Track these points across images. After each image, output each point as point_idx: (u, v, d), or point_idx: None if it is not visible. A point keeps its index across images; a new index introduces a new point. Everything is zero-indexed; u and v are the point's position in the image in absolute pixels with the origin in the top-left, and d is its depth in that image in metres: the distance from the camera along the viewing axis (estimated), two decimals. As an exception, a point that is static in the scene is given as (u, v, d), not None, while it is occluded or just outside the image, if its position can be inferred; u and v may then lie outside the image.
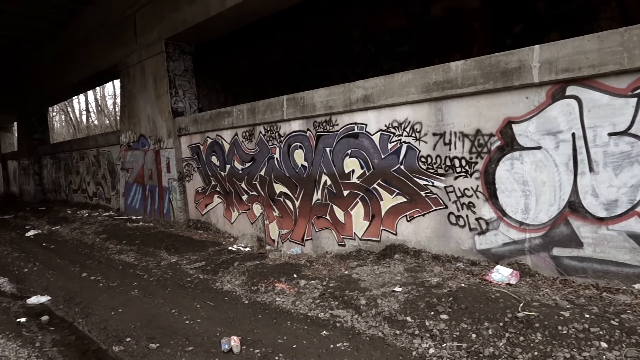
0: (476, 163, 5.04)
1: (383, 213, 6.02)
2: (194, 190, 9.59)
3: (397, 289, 4.56)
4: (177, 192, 9.79)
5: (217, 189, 8.90)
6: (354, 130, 6.29)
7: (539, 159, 4.55)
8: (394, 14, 10.87)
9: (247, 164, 8.10)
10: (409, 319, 4.05)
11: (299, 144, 7.10)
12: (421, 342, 3.76)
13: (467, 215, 5.17)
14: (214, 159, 8.91)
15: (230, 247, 7.49)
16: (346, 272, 5.56)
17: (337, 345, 3.92)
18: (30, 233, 10.88)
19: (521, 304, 3.90)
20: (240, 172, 8.26)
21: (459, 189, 5.22)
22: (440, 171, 5.37)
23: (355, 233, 6.39)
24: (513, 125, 4.73)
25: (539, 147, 4.55)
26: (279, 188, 7.52)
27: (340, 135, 6.47)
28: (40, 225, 11.87)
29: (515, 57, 4.63)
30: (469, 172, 5.10)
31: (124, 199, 12.01)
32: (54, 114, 31.46)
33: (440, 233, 5.44)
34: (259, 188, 7.90)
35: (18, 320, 5.41)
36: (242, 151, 8.19)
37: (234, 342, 4.05)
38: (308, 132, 6.93)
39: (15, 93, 19.70)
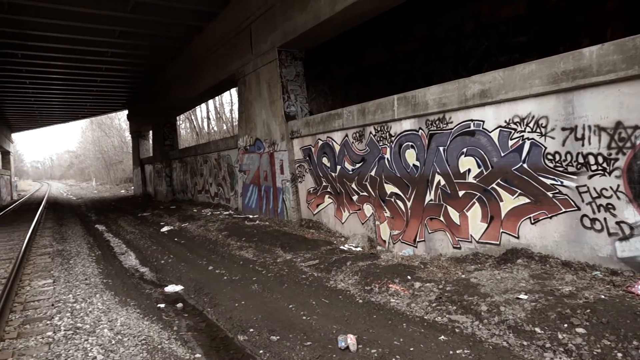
0: (616, 160, 4.48)
1: (503, 215, 5.65)
2: (305, 191, 9.95)
3: (522, 296, 4.24)
4: (290, 192, 10.24)
5: (328, 190, 9.13)
6: (469, 127, 6.00)
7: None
8: (510, 2, 10.14)
9: (358, 165, 8.18)
10: (537, 329, 3.74)
11: (410, 143, 6.98)
12: (554, 356, 3.44)
13: (605, 219, 4.62)
14: (324, 160, 9.15)
15: (341, 247, 7.62)
16: (463, 276, 5.32)
17: (457, 351, 3.76)
18: (164, 229, 12.20)
19: (679, 322, 3.38)
20: (351, 172, 8.37)
21: (594, 188, 4.69)
22: (570, 169, 4.87)
23: (471, 235, 6.09)
24: (664, 116, 4.11)
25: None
26: (389, 188, 7.46)
27: (454, 134, 6.21)
28: (172, 222, 13.25)
29: (666, 37, 4.03)
30: (608, 170, 4.55)
31: (242, 199, 12.89)
32: (180, 122, 34.89)
33: (571, 237, 4.94)
34: (370, 188, 7.92)
35: (158, 305, 6.08)
36: (352, 152, 8.30)
37: (351, 340, 4.11)
38: (420, 131, 6.77)
39: (152, 105, 22.33)
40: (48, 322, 4.87)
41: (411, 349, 3.94)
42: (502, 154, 5.58)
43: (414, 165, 6.93)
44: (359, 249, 7.49)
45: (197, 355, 4.36)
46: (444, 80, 6.41)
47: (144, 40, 15.29)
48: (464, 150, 6.08)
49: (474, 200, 6.00)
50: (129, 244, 10.88)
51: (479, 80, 5.79)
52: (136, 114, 27.13)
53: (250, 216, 11.68)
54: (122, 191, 35.41)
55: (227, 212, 13.16)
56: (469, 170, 6.04)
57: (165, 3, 12.06)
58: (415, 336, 4.17)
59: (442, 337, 4.06)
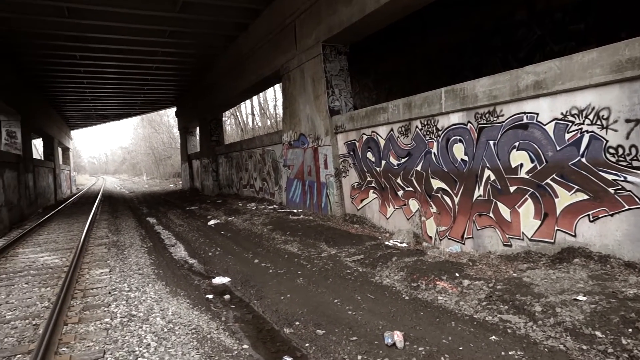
0: (688, 153, 4.15)
1: (558, 212, 5.38)
2: (349, 186, 9.91)
3: (581, 297, 4.03)
4: (333, 187, 10.24)
5: (373, 185, 9.04)
6: (522, 120, 5.75)
7: None
8: (568, -12, 9.63)
9: (403, 160, 8.05)
10: (598, 333, 3.54)
11: (458, 137, 6.78)
12: (616, 361, 3.25)
13: (673, 217, 4.30)
14: (369, 154, 9.07)
15: (386, 242, 7.54)
16: (515, 274, 5.12)
17: (510, 353, 3.63)
18: (211, 222, 12.53)
19: None
20: (396, 167, 8.25)
21: (662, 184, 4.37)
22: (636, 164, 4.56)
23: (523, 233, 5.85)
24: None
25: None
26: (436, 184, 7.30)
27: (505, 127, 5.98)
28: (218, 216, 13.60)
29: None
30: (677, 165, 4.23)
31: (286, 194, 13.02)
32: (226, 118, 35.67)
33: (635, 237, 4.63)
34: (415, 183, 7.78)
35: (207, 296, 6.25)
36: (397, 146, 8.17)
37: (397, 336, 4.05)
38: (469, 124, 6.56)
39: (198, 102, 22.98)
40: (105, 309, 5.11)
41: (460, 348, 3.83)
42: (558, 148, 5.31)
43: (462, 159, 6.73)
44: (404, 244, 7.38)
45: (245, 346, 4.44)
46: (493, 72, 6.17)
47: (192, 39, 15.71)
48: (516, 144, 5.84)
49: (527, 196, 5.75)
50: (178, 236, 11.26)
51: (533, 70, 5.53)
52: (184, 111, 28.00)
53: (294, 210, 11.78)
54: (171, 185, 36.72)
55: (271, 207, 13.34)
56: (521, 165, 5.79)
57: (212, 1, 12.33)
58: (465, 335, 4.06)
59: (493, 337, 3.93)
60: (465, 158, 6.65)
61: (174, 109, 31.65)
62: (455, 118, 6.83)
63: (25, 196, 17.40)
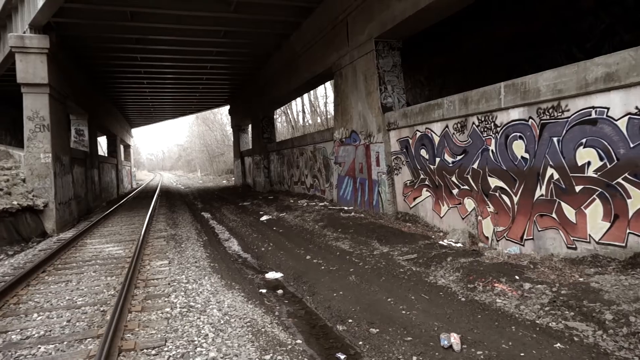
0: None
1: (631, 213, 5.01)
2: (402, 184, 9.76)
3: (658, 306, 3.74)
4: (385, 185, 10.12)
5: (426, 183, 8.85)
6: (590, 115, 5.40)
7: None
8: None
9: (458, 157, 7.81)
10: (678, 345, 3.27)
11: (518, 134, 6.49)
12: (701, 377, 2.99)
13: None
14: (422, 152, 8.88)
15: (440, 242, 7.35)
16: (581, 279, 4.83)
17: (577, 362, 3.43)
18: (263, 218, 12.77)
19: None
20: (451, 165, 8.02)
21: None
22: None
23: (590, 235, 5.50)
24: None
25: None
26: (494, 182, 7.02)
27: (571, 123, 5.64)
28: (270, 212, 13.84)
29: None
30: None
31: (337, 191, 13.03)
32: (277, 116, 36.22)
33: None
34: (472, 182, 7.53)
35: (260, 290, 6.39)
36: (452, 143, 7.94)
37: (454, 339, 3.94)
38: (530, 120, 6.26)
39: (251, 100, 23.49)
40: (166, 299, 5.33)
41: (522, 354, 3.67)
42: (632, 145, 4.94)
43: (522, 157, 6.43)
44: (459, 244, 7.17)
45: (298, 341, 4.49)
46: (554, 66, 5.84)
47: (245, 39, 16.05)
48: (583, 140, 5.50)
49: (594, 196, 5.41)
50: (231, 231, 11.58)
51: (603, 62, 5.18)
52: (237, 109, 28.70)
53: (345, 208, 11.77)
54: (224, 181, 37.81)
55: (322, 204, 13.40)
56: (589, 163, 5.45)
57: (265, 1, 12.52)
58: (526, 341, 3.88)
59: (558, 344, 3.73)
60: (526, 156, 6.35)
61: (227, 107, 32.54)
62: (515, 114, 6.54)
63: (91, 190, 18.54)
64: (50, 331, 4.42)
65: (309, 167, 16.45)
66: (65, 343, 4.12)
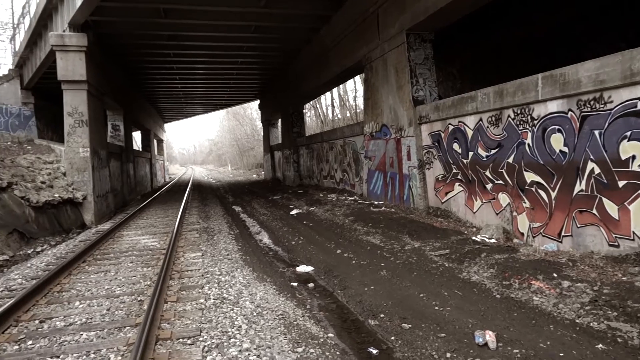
0: None
1: (679, 210, 4.77)
2: (433, 178, 9.61)
3: None
4: (416, 179, 9.99)
5: (459, 177, 8.69)
6: (636, 107, 5.16)
7: None
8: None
9: (493, 151, 7.62)
10: None
11: (556, 127, 6.26)
12: None
13: None
14: (455, 146, 8.71)
15: (473, 237, 7.21)
16: (624, 278, 4.65)
17: (621, 363, 3.30)
18: (294, 212, 12.85)
19: None
20: (485, 159, 7.84)
21: None
22: None
23: (634, 232, 5.27)
24: None
25: None
26: (530, 177, 6.82)
27: (614, 115, 5.41)
28: (300, 206, 13.90)
29: None
30: None
31: (367, 185, 12.96)
32: (306, 110, 36.29)
33: None
34: (506, 176, 7.33)
35: (291, 284, 6.44)
36: (486, 137, 7.75)
37: (489, 336, 3.87)
38: (569, 112, 6.03)
39: (281, 95, 23.61)
40: (200, 290, 5.44)
41: (561, 354, 3.56)
42: (681, 138, 4.70)
43: (560, 151, 6.21)
44: (492, 240, 7.01)
45: (330, 335, 4.50)
46: (594, 56, 5.59)
47: (276, 33, 16.10)
48: (627, 133, 5.26)
49: (639, 192, 5.17)
50: (262, 224, 11.71)
51: (651, 51, 4.93)
52: (266, 104, 28.91)
53: (375, 202, 11.70)
54: (254, 176, 38.25)
55: (352, 198, 13.36)
56: (633, 157, 5.21)
57: (296, -6, 12.53)
58: (565, 341, 3.77)
59: (600, 345, 3.60)
60: (565, 149, 6.13)
61: (257, 102, 32.82)
62: (553, 106, 6.32)
63: (127, 183, 19.10)
64: (91, 319, 4.59)
65: (338, 161, 16.42)
66: (105, 330, 4.27)
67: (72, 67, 12.22)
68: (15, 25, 20.81)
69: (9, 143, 15.00)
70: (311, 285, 6.41)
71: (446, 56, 15.32)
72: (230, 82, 24.84)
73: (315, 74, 17.72)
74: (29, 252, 9.03)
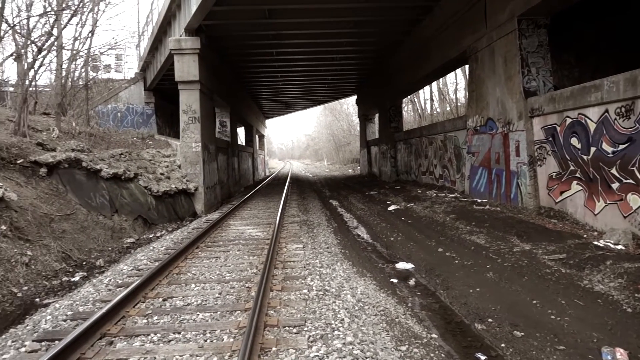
0: None
1: None
2: (546, 176, 8.84)
3: None
4: (526, 176, 9.27)
5: (577, 175, 7.89)
6: None
7: None
8: None
9: (621, 146, 6.78)
10: None
11: None
12: None
13: None
14: (573, 140, 7.92)
15: (595, 242, 6.50)
16: None
17: None
18: (391, 208, 12.69)
19: None
20: (610, 155, 7.01)
21: None
22: None
23: None
24: None
25: None
26: (668, 176, 5.96)
27: None
28: (397, 202, 13.69)
29: None
30: None
31: (469, 182, 12.35)
32: (403, 105, 35.59)
33: None
34: (638, 175, 6.49)
35: (391, 280, 6.36)
36: (614, 131, 6.92)
37: (620, 355, 3.46)
38: None
39: (378, 89, 23.43)
40: (302, 281, 5.59)
41: None
42: None
43: None
44: (619, 247, 6.25)
45: (434, 336, 4.37)
46: None
47: (375, 27, 15.99)
48: None
49: None
50: (359, 219, 11.73)
51: None
52: (364, 99, 28.88)
53: (478, 200, 11.10)
54: (350, 170, 38.52)
55: (452, 195, 12.84)
56: None
57: (397, -13, 12.29)
58: None
59: None
60: None
61: (354, 97, 32.94)
62: (703, 94, 5.44)
63: (232, 176, 20.37)
64: (205, 301, 4.95)
65: (438, 157, 15.86)
66: (218, 313, 4.58)
67: (187, 68, 13.29)
68: (140, 34, 23.26)
69: (134, 138, 16.79)
70: (412, 282, 6.28)
71: (560, 42, 13.96)
72: (328, 78, 25.22)
73: (414, 67, 17.27)
74: (150, 236, 10.05)
